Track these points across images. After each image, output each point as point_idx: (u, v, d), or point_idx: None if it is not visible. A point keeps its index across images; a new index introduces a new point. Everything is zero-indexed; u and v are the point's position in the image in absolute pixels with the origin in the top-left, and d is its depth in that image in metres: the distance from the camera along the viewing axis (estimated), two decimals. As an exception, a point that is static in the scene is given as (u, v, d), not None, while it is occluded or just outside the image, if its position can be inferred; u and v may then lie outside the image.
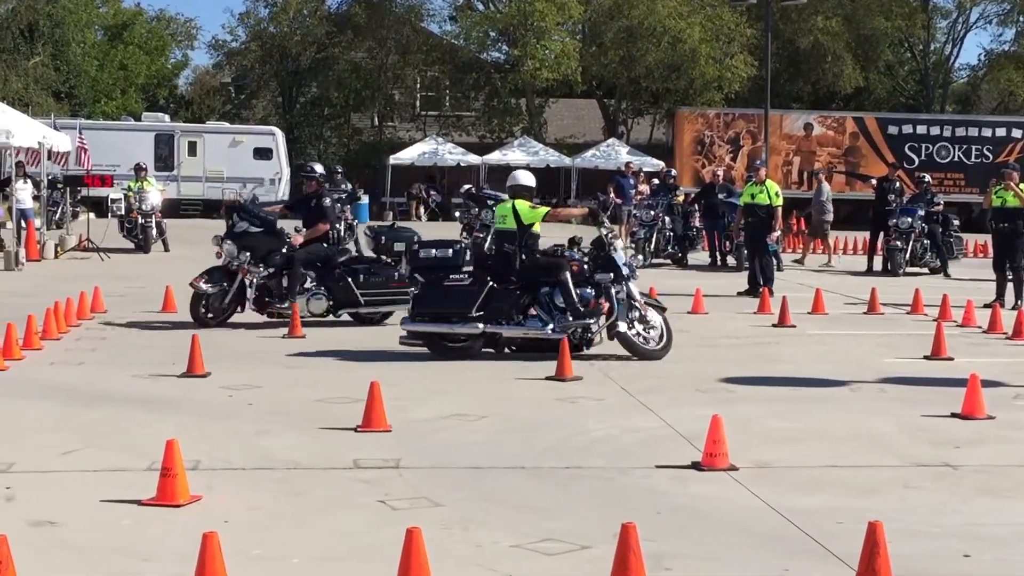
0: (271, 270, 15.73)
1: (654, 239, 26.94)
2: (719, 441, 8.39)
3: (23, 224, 26.50)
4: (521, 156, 49.57)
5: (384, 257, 16.45)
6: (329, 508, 7.40)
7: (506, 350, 13.52)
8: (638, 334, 13.59)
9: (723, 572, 6.40)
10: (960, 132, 48.74)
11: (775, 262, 22.39)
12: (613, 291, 13.39)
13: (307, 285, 15.85)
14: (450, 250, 13.59)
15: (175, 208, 38.47)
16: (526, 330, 13.38)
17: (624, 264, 13.65)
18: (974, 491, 8.02)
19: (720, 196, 26.94)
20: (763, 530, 7.06)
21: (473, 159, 49.27)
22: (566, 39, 51.93)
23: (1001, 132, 48.78)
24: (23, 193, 27.42)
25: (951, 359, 13.63)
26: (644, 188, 30.05)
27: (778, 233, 22.05)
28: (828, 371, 12.76)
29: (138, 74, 60.50)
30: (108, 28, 61.37)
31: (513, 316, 13.36)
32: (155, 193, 29.27)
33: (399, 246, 16.49)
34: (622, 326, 13.40)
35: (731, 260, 26.47)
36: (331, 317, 15.93)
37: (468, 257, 13.67)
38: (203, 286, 15.49)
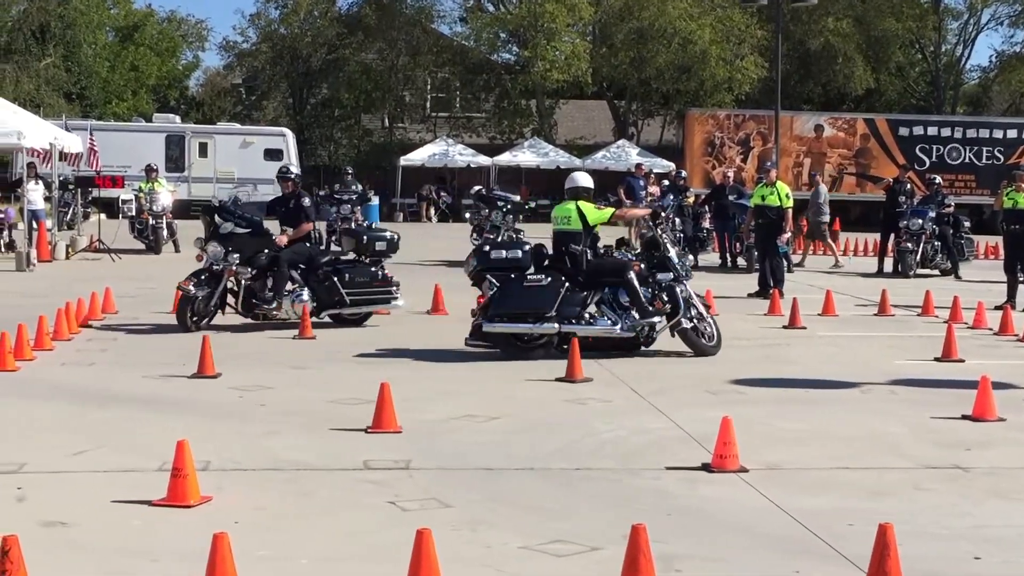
0: (254, 271, 15.52)
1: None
2: (729, 443, 8.38)
3: (34, 225, 26.57)
4: (531, 157, 49.62)
5: (363, 257, 16.33)
6: (338, 509, 7.41)
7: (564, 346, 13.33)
8: (696, 330, 13.94)
9: (733, 574, 6.40)
10: (971, 134, 48.63)
11: (785, 263, 22.36)
12: (678, 290, 13.78)
13: (289, 287, 15.68)
14: (519, 251, 13.80)
15: (186, 209, 38.53)
16: (596, 329, 13.55)
17: (679, 264, 14.05)
18: (984, 493, 8.01)
19: (730, 197, 26.91)
20: (773, 532, 7.05)
21: (483, 160, 49.29)
22: (576, 40, 51.96)
23: (1012, 134, 48.65)
24: (34, 194, 27.50)
25: (962, 361, 13.60)
26: (654, 189, 29.97)
27: (789, 235, 22.00)
28: (838, 373, 12.74)
29: (149, 75, 60.65)
30: (119, 29, 61.54)
31: (583, 316, 13.54)
32: (166, 194, 29.33)
33: (380, 245, 16.46)
34: (686, 323, 13.81)
35: (741, 261, 26.43)
36: (313, 319, 15.63)
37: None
38: (192, 288, 15.13)
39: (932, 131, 48.67)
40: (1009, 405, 10.73)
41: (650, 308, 13.57)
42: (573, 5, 49.82)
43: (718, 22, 50.67)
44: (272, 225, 16.29)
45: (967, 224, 27.72)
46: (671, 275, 13.89)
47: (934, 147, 48.21)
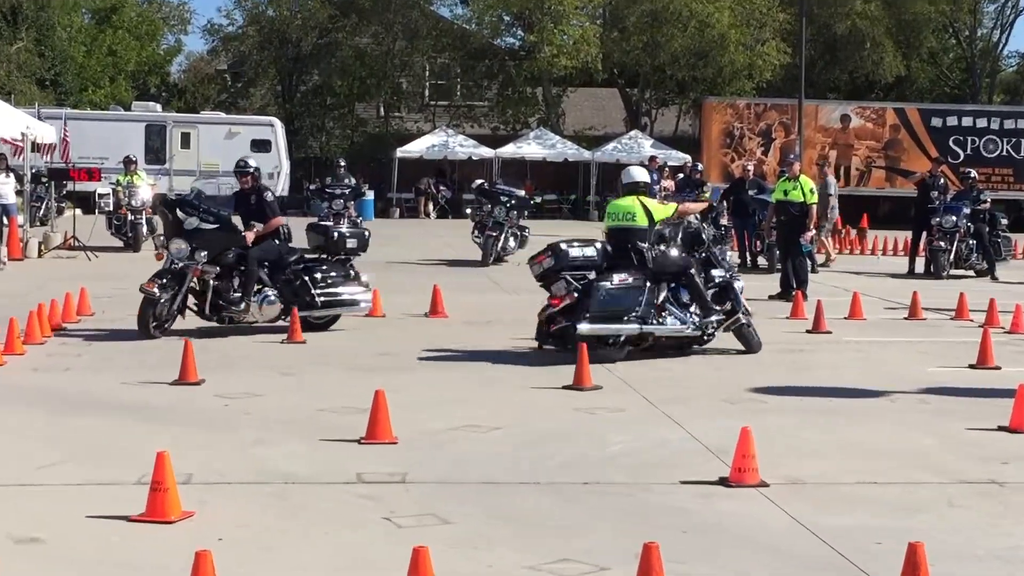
0: (220, 270, 15.25)
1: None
2: (748, 455, 8.38)
3: (5, 221, 26.56)
4: (537, 149, 49.65)
5: (330, 255, 16.23)
6: (330, 525, 7.41)
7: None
8: (749, 326, 14.67)
9: (752, 596, 6.41)
10: (1009, 124, 48.65)
11: (809, 263, 22.35)
12: (736, 286, 14.56)
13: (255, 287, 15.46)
14: (593, 249, 14.02)
15: (167, 204, 38.46)
16: (669, 329, 14.02)
17: (723, 259, 14.86)
18: (1023, 510, 8.00)
19: (750, 192, 26.89)
20: (796, 551, 7.06)
21: (486, 152, 49.30)
22: (586, 24, 51.95)
23: (1053, 125, 48.72)
24: (5, 188, 27.48)
25: (998, 368, 13.60)
26: (669, 184, 30.03)
27: (813, 233, 22.00)
28: (866, 381, 12.75)
29: (128, 60, 60.65)
30: (96, 11, 61.54)
31: (656, 315, 13.91)
32: (145, 188, 29.33)
33: (351, 243, 16.39)
34: (743, 319, 14.56)
35: (762, 261, 26.43)
36: (281, 321, 15.55)
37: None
38: (156, 291, 14.77)
39: (967, 122, 48.66)
40: (1049, 416, 10.72)
41: (714, 307, 14.20)
42: (582, -14, 49.93)
43: (738, 4, 50.65)
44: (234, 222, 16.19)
45: (1004, 221, 27.72)
46: (723, 272, 14.59)
47: (969, 139, 48.20)
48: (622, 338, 13.79)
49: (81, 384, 12.00)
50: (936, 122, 48.58)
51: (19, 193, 28.95)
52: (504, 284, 22.16)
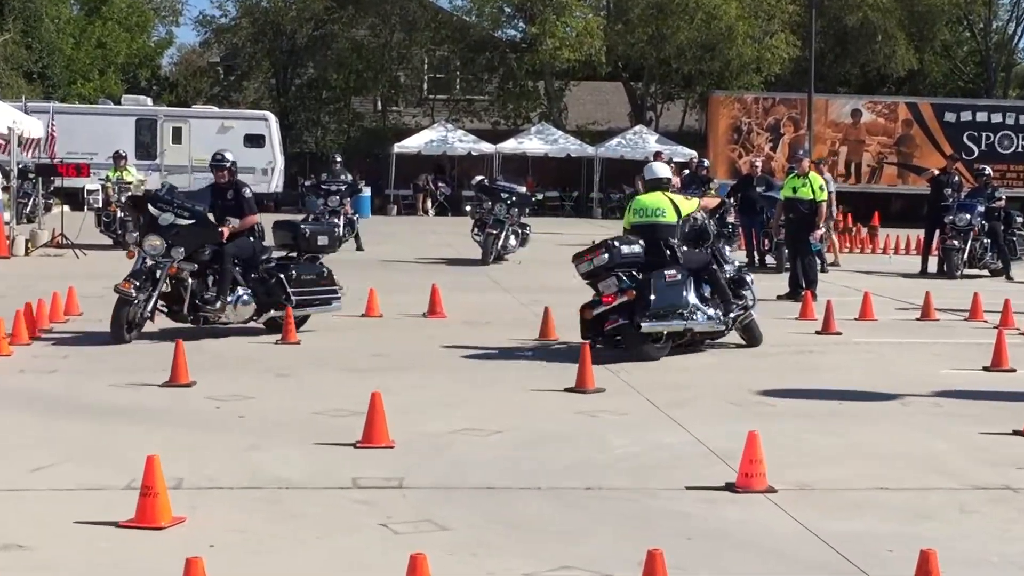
0: (196, 267, 14.97)
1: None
2: (756, 460, 8.38)
3: (-9, 218, 26.60)
4: (539, 144, 49.68)
5: (300, 253, 16.07)
6: (325, 531, 7.42)
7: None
8: (754, 321, 15.20)
9: (759, 604, 6.41)
10: (1025, 119, 48.70)
11: (819, 262, 22.35)
12: (748, 280, 15.13)
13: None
14: (637, 246, 14.24)
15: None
16: (703, 324, 14.39)
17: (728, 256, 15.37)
18: (1038, 516, 8.02)
19: (758, 189, 26.90)
20: (804, 558, 7.06)
21: (486, 147, 49.35)
22: (589, 15, 52.01)
23: (1070, 120, 48.73)
24: (-9, 183, 27.56)
25: (1013, 371, 13.60)
26: (675, 180, 30.00)
27: (822, 231, 22.01)
28: (877, 383, 12.74)
29: (118, 53, 60.67)
30: (85, 2, 61.57)
31: (692, 310, 14.28)
32: (136, 184, 29.34)
33: (322, 240, 16.23)
34: (754, 315, 15.17)
35: (770, 260, 26.44)
36: (253, 323, 15.44)
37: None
38: (133, 291, 14.41)
39: (981, 117, 48.68)
40: (1065, 419, 10.73)
41: (735, 300, 14.74)
42: (585, -23, 49.94)
43: (745, -5, 50.69)
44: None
45: (1020, 220, 27.70)
46: (731, 266, 15.14)
47: (983, 134, 48.23)
48: (664, 334, 14.12)
49: (69, 386, 12.00)
50: (950, 117, 48.60)
51: (5, 189, 28.97)
52: (505, 283, 22.17)
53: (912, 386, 12.54)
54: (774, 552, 7.14)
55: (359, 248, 28.98)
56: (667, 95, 56.57)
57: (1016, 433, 10.32)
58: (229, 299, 15.06)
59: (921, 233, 27.56)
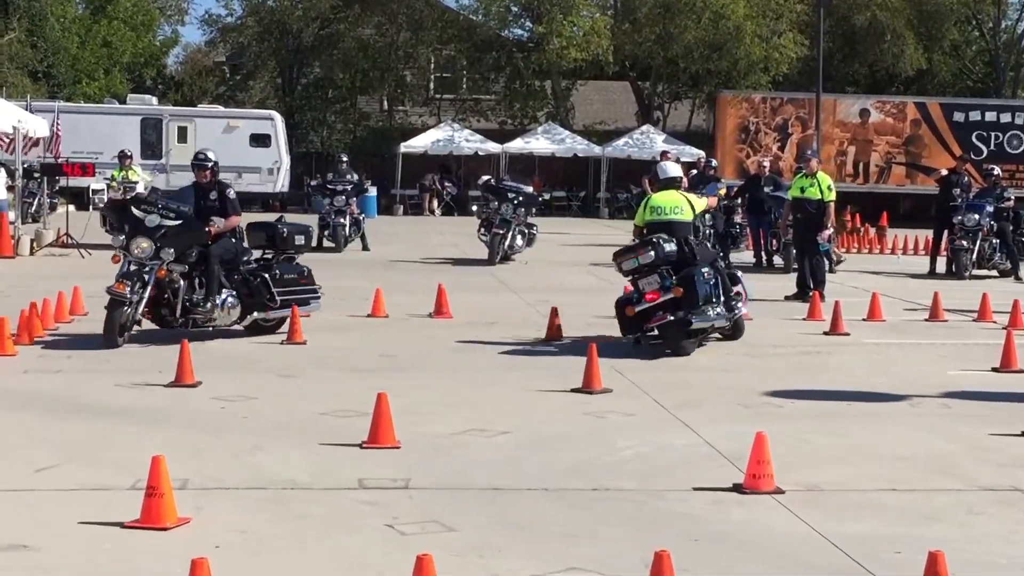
0: (187, 268, 14.76)
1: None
2: (763, 461, 8.38)
3: (-5, 217, 26.61)
4: (546, 144, 49.66)
5: (277, 252, 15.88)
6: (331, 532, 7.42)
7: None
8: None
9: (767, 606, 6.41)
10: (1034, 120, 48.62)
11: (827, 263, 22.33)
12: (739, 275, 15.62)
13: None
14: (672, 244, 14.65)
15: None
16: (721, 320, 14.87)
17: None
18: (1047, 518, 8.01)
19: (766, 189, 26.87)
20: (812, 560, 7.05)
21: (493, 147, 49.34)
22: (596, 15, 51.95)
23: (1080, 120, 48.64)
24: (-5, 183, 27.56)
25: (1022, 372, 13.59)
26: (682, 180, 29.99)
27: (830, 231, 21.99)
28: (885, 384, 12.74)
29: (123, 52, 60.71)
30: (90, 1, 61.61)
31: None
32: (141, 183, 29.37)
33: (300, 239, 16.09)
34: (745, 309, 15.71)
35: (778, 260, 26.41)
36: (236, 326, 15.29)
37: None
38: (127, 292, 14.11)
39: (990, 116, 48.60)
40: (1075, 421, 10.72)
41: (735, 296, 15.26)
42: (592, -24, 49.91)
43: (753, -6, 50.65)
44: None
45: (1030, 220, 27.66)
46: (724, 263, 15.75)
47: (992, 134, 48.14)
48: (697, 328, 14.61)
49: (74, 386, 12.01)
50: (958, 117, 48.54)
51: (10, 189, 28.98)
52: (511, 283, 22.17)
53: (920, 387, 12.54)
54: (781, 554, 7.14)
55: (365, 248, 29.00)
56: (674, 95, 56.54)
57: (1025, 434, 10.32)
58: (217, 301, 14.90)
59: (929, 233, 27.51)
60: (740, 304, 15.42)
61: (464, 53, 56.41)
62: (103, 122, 44.23)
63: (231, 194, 15.62)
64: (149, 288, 14.35)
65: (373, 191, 41.95)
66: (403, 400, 10.60)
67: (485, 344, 15.02)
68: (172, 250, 14.45)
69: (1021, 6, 59.25)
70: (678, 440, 10.02)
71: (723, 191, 28.75)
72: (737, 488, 8.40)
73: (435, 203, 49.49)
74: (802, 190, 21.09)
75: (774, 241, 26.69)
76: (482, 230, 26.98)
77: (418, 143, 49.74)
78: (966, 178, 27.37)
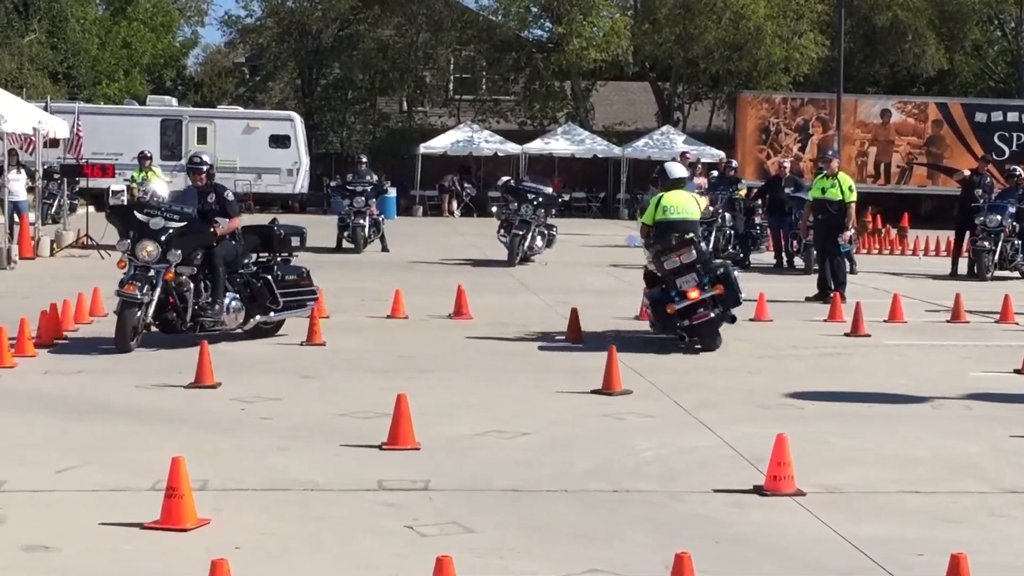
0: (195, 270, 14.55)
1: (713, 238, 26.83)
2: (784, 463, 8.36)
3: (16, 218, 26.69)
4: (565, 145, 49.65)
5: (274, 254, 15.68)
6: (350, 534, 7.43)
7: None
8: None
9: (788, 609, 6.39)
10: (1057, 120, 48.43)
11: (848, 264, 22.28)
12: (734, 274, 15.53)
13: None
14: (703, 244, 15.53)
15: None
16: (729, 315, 15.21)
17: None
18: (1070, 521, 7.98)
19: (787, 190, 26.84)
20: (833, 562, 7.04)
21: (512, 148, 49.33)
22: (616, 15, 51.92)
23: (1102, 120, 48.43)
24: (16, 184, 27.63)
25: (1045, 373, 13.56)
26: (702, 181, 29.91)
27: (851, 232, 21.93)
28: (907, 386, 12.70)
29: (143, 53, 60.88)
30: (110, 2, 61.82)
31: None
32: (161, 184, 29.33)
33: (296, 241, 15.89)
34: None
35: (799, 261, 26.38)
36: (239, 330, 15.13)
37: None
38: (139, 294, 13.88)
39: (1012, 117, 48.42)
40: (1098, 423, 10.68)
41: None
42: (612, -24, 49.87)
43: (774, -5, 50.54)
44: None
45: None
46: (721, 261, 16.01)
47: (1014, 135, 47.98)
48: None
49: (94, 387, 12.04)
50: (980, 117, 48.38)
51: (31, 190, 29.07)
52: (531, 285, 22.16)
53: (942, 389, 12.50)
54: (802, 556, 7.12)
55: (384, 249, 29.01)
56: (695, 95, 56.45)
57: (1048, 437, 10.29)
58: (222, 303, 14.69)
59: (951, 234, 27.44)
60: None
61: (484, 54, 56.41)
62: (123, 123, 44.36)
63: (229, 195, 15.41)
64: (157, 290, 14.15)
65: (392, 192, 41.98)
66: (422, 401, 10.59)
67: (504, 345, 15.02)
68: (179, 252, 14.26)
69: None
70: (698, 442, 10.01)
71: (743, 192, 28.79)
72: (757, 490, 8.39)
73: (454, 204, 49.50)
74: (823, 191, 21.03)
75: (794, 242, 26.66)
76: (502, 231, 26.98)
77: (437, 144, 49.76)
78: (988, 179, 27.30)
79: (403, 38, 55.57)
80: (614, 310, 17.45)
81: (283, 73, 59.36)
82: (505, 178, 30.60)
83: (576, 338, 15.26)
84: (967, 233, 25.95)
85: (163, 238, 14.22)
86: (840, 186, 20.82)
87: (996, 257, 25.21)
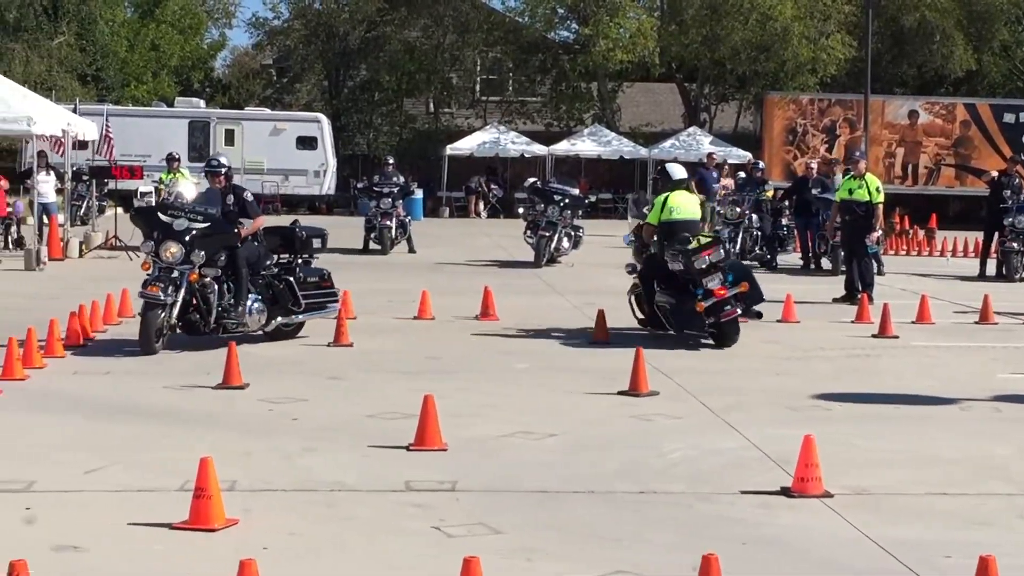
0: (219, 272, 14.47)
1: (740, 239, 26.84)
2: (812, 464, 8.34)
3: (45, 220, 26.84)
4: (592, 146, 49.64)
5: (296, 256, 15.58)
6: (378, 534, 7.44)
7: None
8: None
9: (815, 610, 6.38)
10: (1086, 120, 48.21)
11: (875, 265, 22.22)
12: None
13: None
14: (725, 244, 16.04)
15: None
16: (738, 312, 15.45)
17: None
18: (1099, 523, 7.94)
19: (814, 191, 26.77)
20: (861, 565, 7.02)
21: (538, 149, 49.35)
22: (642, 16, 51.84)
23: None
24: (45, 186, 27.78)
25: (1074, 375, 13.50)
26: (729, 182, 29.95)
27: (879, 233, 21.87)
28: (935, 387, 12.66)
29: (171, 55, 61.05)
30: (138, 5, 61.99)
31: None
32: (189, 186, 29.39)
33: (317, 242, 15.83)
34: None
35: (826, 263, 26.30)
36: (260, 332, 15.02)
37: None
38: (162, 295, 13.82)
39: (1041, 118, 48.22)
40: None
41: None
42: (638, -23, 49.82)
43: (801, -4, 50.41)
44: None
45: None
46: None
47: (1043, 136, 47.76)
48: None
49: (122, 388, 12.09)
50: (1008, 118, 48.20)
51: (59, 192, 29.19)
52: (557, 286, 22.16)
53: (971, 390, 12.46)
54: (829, 558, 7.11)
55: (411, 250, 29.04)
56: (721, 96, 56.39)
57: (1077, 438, 10.24)
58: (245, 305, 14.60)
59: (979, 236, 27.33)
60: None
61: (510, 55, 56.42)
62: (151, 125, 44.53)
63: (248, 196, 15.40)
64: (182, 291, 14.06)
65: (419, 193, 42.01)
66: (449, 402, 10.61)
67: (531, 346, 15.03)
68: (203, 252, 14.19)
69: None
70: (725, 443, 9.99)
71: (771, 193, 28.72)
72: (785, 492, 8.37)
73: (481, 205, 49.52)
74: (850, 192, 20.97)
75: (822, 243, 26.59)
76: (528, 232, 27.00)
77: (464, 145, 49.80)
78: (1016, 180, 27.14)
79: (429, 40, 55.64)
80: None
81: (310, 75, 59.52)
82: (532, 179, 30.58)
83: (603, 339, 15.27)
84: (995, 234, 25.85)
85: (187, 239, 14.17)
86: (868, 187, 20.76)
87: (1024, 259, 25.11)
